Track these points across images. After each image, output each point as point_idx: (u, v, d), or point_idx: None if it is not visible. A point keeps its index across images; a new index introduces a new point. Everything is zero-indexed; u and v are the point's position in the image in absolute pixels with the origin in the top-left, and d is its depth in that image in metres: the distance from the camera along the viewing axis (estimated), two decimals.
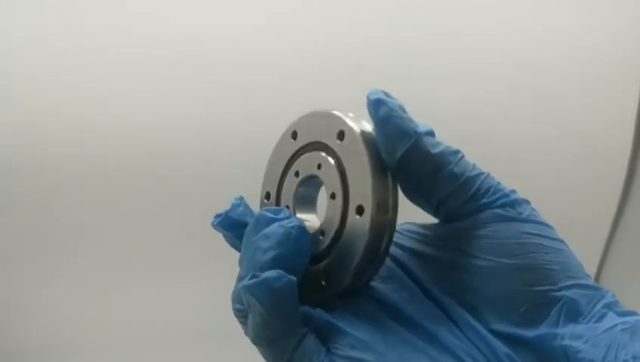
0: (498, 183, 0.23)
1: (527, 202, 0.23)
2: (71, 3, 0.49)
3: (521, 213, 0.23)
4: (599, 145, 0.55)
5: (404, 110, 0.23)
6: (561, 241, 0.23)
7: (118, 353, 0.59)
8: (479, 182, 0.23)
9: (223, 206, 0.25)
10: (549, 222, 0.23)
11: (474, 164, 0.23)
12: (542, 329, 0.21)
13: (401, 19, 0.51)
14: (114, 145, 0.52)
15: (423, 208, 0.24)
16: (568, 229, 0.61)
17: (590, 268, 0.60)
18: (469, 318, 0.22)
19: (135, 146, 0.52)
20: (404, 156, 0.22)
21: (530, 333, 0.21)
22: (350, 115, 0.24)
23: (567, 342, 0.20)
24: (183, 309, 0.59)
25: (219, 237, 0.26)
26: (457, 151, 0.23)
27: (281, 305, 0.21)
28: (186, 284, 0.58)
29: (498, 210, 0.22)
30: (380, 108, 0.22)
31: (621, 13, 0.52)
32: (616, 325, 0.20)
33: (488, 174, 0.23)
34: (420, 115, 0.23)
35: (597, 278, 0.61)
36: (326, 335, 0.22)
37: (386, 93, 0.23)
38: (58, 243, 0.55)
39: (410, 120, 0.22)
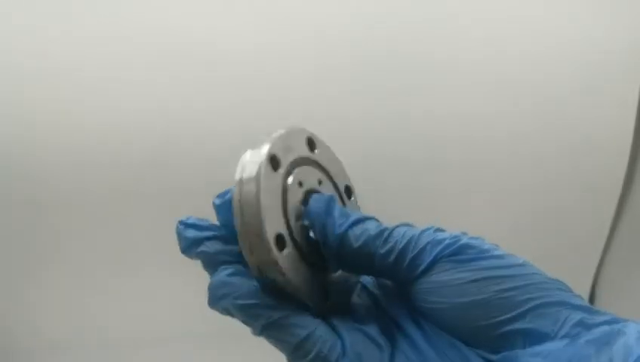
0: (436, 235, 0.23)
1: (476, 239, 0.23)
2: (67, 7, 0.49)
3: (470, 254, 0.22)
4: (599, 144, 0.55)
5: (330, 210, 0.23)
6: (520, 265, 0.22)
7: (118, 352, 0.59)
8: (411, 248, 0.23)
9: None
10: (502, 251, 0.23)
11: (406, 230, 0.23)
12: (505, 353, 0.21)
13: (396, 14, 0.51)
14: (108, 144, 0.52)
15: None
16: (568, 229, 0.61)
17: (589, 268, 0.60)
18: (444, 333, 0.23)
19: (131, 144, 0.52)
20: (338, 253, 0.23)
21: (494, 357, 0.21)
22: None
23: (527, 359, 0.20)
24: (182, 309, 0.59)
25: None
26: (382, 231, 0.23)
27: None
28: (186, 284, 0.58)
29: (446, 259, 0.22)
30: (314, 219, 0.23)
31: (623, 11, 0.52)
32: (581, 337, 0.20)
33: (422, 232, 0.23)
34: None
35: (596, 278, 0.61)
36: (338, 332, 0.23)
37: (315, 199, 0.24)
38: (57, 242, 0.55)
39: (334, 221, 0.23)
